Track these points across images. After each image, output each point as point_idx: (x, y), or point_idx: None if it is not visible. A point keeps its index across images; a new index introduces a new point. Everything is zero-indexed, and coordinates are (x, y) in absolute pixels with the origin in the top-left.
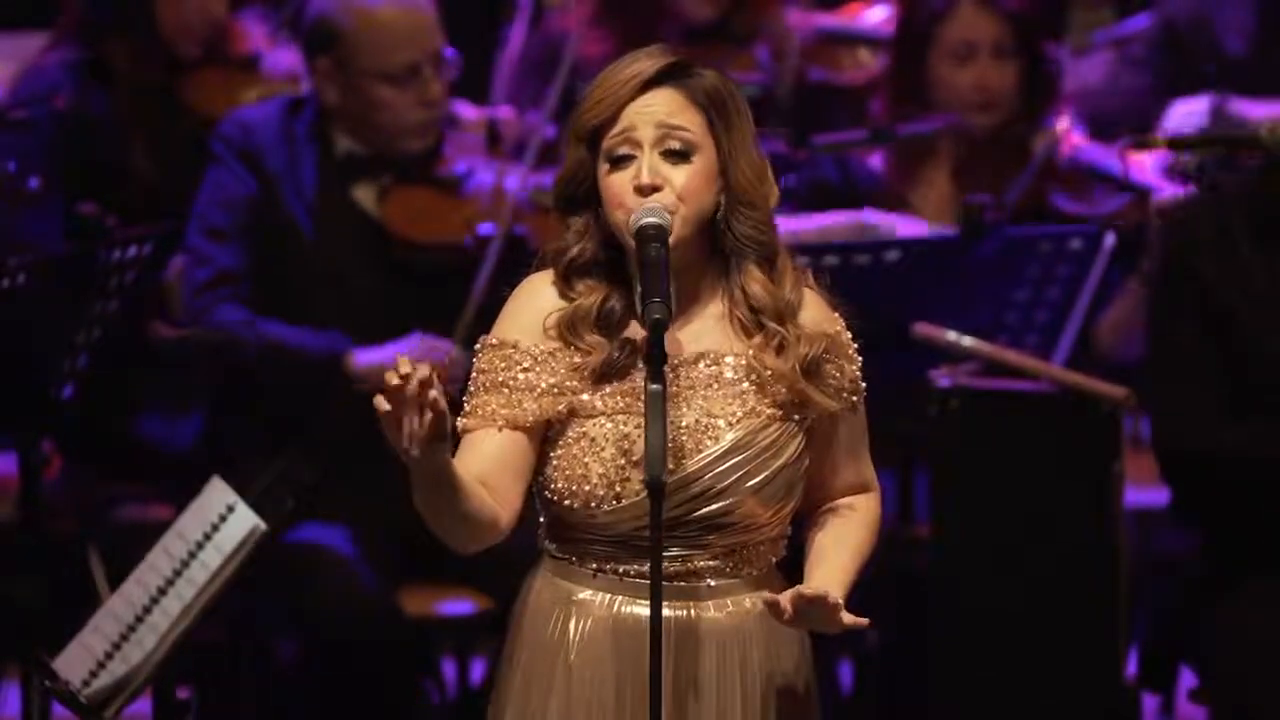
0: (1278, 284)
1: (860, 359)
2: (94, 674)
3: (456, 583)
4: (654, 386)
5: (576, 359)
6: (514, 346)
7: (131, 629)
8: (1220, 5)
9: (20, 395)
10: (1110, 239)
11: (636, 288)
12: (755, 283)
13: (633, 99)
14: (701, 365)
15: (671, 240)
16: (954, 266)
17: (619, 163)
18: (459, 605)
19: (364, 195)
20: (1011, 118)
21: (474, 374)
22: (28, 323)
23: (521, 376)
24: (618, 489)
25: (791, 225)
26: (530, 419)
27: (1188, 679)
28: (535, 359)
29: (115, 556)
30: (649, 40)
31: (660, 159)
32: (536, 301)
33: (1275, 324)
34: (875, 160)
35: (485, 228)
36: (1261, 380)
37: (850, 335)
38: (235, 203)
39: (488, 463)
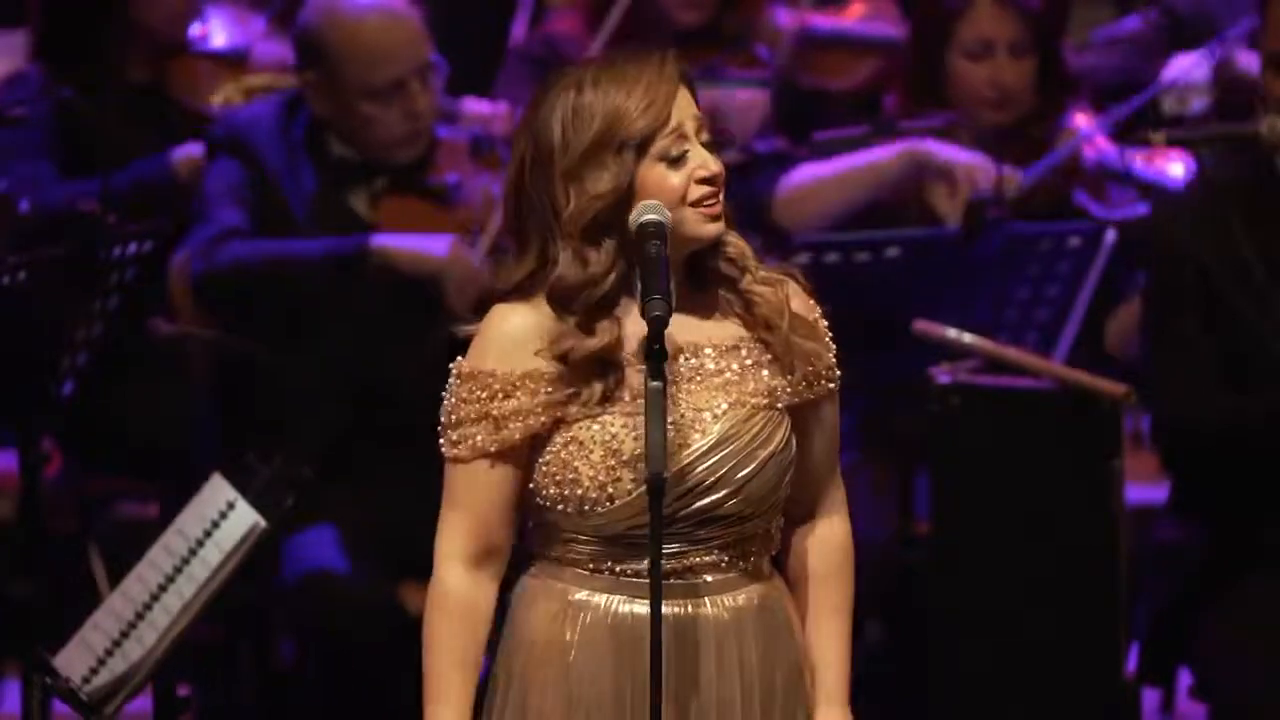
0: (1273, 271)
1: (834, 347)
2: (94, 671)
3: None
4: (654, 384)
5: (553, 370)
6: (491, 375)
7: (132, 626)
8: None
9: (20, 392)
10: (1110, 236)
11: (637, 286)
12: (759, 283)
13: (671, 99)
14: (682, 359)
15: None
16: (954, 263)
17: (676, 162)
18: None
19: (358, 201)
20: (1026, 115)
21: (455, 401)
22: (28, 320)
23: (504, 404)
24: (609, 490)
25: (833, 165)
26: (518, 437)
27: (1187, 676)
28: (515, 384)
29: (115, 554)
30: (639, 47)
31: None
32: (508, 328)
33: (1271, 311)
34: None
35: (475, 237)
36: (1257, 363)
37: (826, 325)
38: (239, 183)
39: (485, 505)
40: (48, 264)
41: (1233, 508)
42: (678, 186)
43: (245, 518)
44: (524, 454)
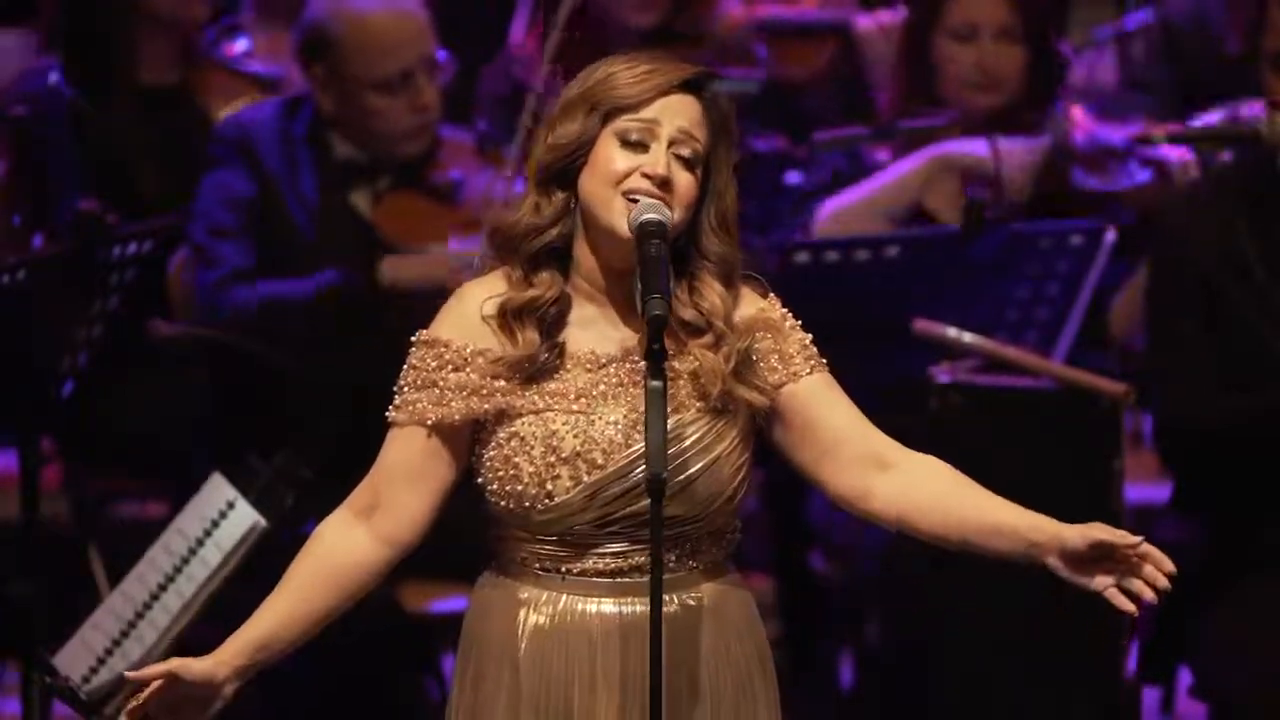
0: (1274, 270)
1: (799, 324)
2: (94, 670)
3: (456, 579)
4: (654, 384)
5: (504, 355)
6: (445, 345)
7: (132, 625)
8: (1219, 4)
9: (20, 393)
10: (1111, 235)
11: (637, 285)
12: (715, 294)
13: (664, 95)
14: (630, 362)
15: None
16: (954, 262)
17: (631, 145)
18: (459, 602)
19: (360, 200)
20: (1014, 103)
21: (406, 369)
22: (28, 320)
23: (451, 376)
24: (549, 487)
25: (868, 185)
26: (457, 417)
27: (1187, 675)
28: (466, 359)
29: (115, 553)
30: (595, 54)
31: (671, 159)
32: (470, 304)
33: (1272, 309)
34: (883, 154)
35: (477, 236)
36: (1257, 366)
37: (784, 311)
38: (239, 202)
39: (400, 471)
40: (48, 264)
41: (1233, 508)
42: (619, 170)
43: (245, 517)
44: (457, 441)
